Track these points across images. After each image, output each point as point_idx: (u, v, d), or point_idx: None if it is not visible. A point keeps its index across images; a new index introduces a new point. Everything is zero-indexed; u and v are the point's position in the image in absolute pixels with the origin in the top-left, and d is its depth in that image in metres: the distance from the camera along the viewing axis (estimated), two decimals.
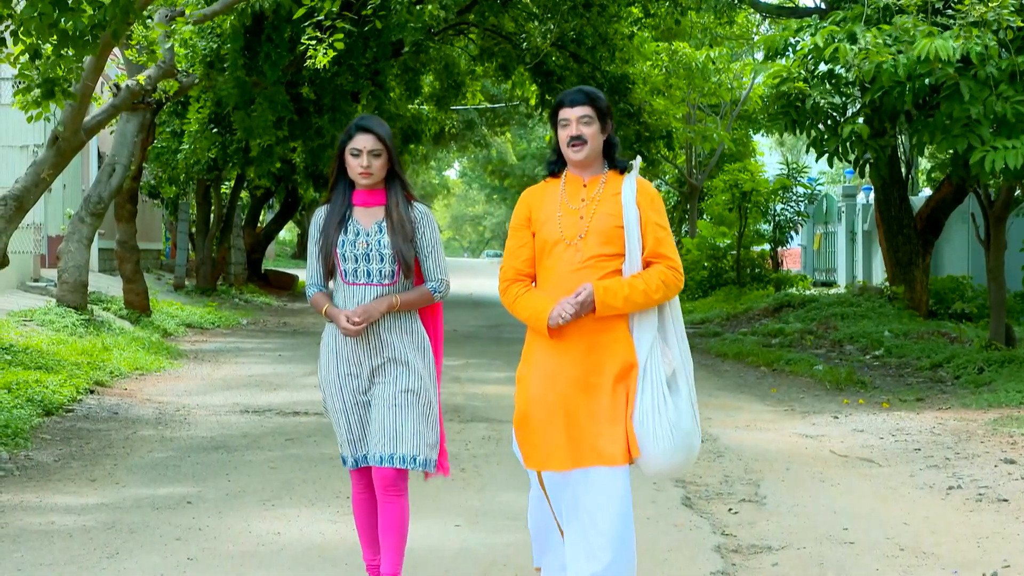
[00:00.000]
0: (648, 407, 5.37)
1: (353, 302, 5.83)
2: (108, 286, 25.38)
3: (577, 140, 5.52)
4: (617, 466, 5.35)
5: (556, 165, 5.69)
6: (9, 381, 11.94)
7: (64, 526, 7.69)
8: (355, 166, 5.81)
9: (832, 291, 28.19)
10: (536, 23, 25.89)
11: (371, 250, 5.82)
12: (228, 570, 6.76)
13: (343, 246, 5.84)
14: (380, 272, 5.82)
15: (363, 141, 5.79)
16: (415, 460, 5.77)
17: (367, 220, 5.87)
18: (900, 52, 13.71)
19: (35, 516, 7.95)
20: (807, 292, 27.41)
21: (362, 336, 5.80)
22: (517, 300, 5.61)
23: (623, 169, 5.62)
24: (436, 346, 6.02)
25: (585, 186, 5.59)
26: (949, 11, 14.66)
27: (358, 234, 5.84)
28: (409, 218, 5.87)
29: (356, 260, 5.83)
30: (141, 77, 18.14)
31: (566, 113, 5.55)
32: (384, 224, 5.84)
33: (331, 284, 6.01)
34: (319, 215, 5.95)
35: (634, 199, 5.51)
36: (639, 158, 5.88)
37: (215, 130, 24.80)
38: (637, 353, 5.46)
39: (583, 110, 5.52)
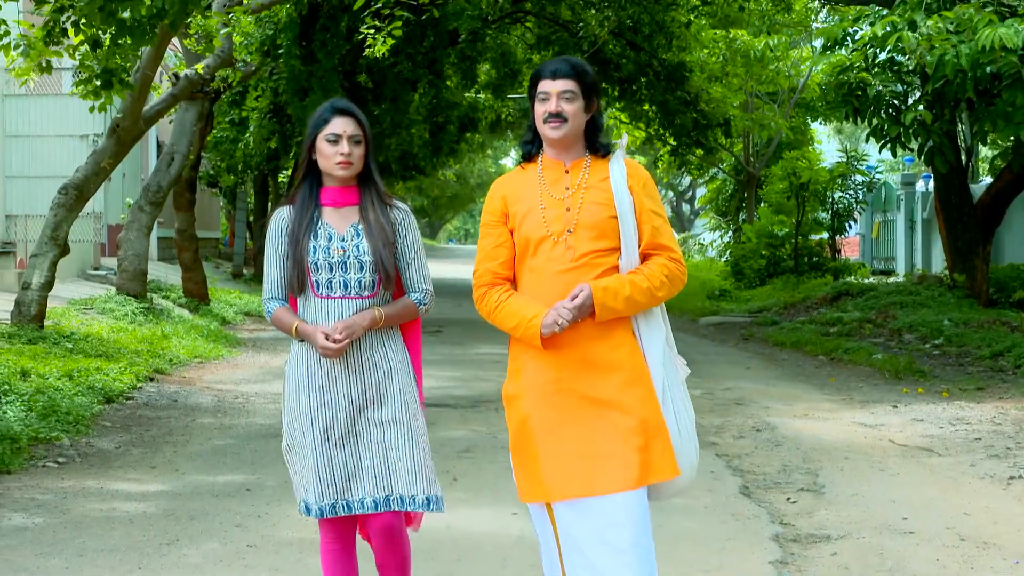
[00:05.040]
0: (676, 421, 4.75)
1: (328, 318, 4.96)
2: (167, 274, 25.58)
3: (555, 117, 4.76)
4: (637, 490, 4.64)
5: (532, 146, 4.92)
6: (70, 369, 12.05)
7: (125, 512, 7.76)
8: (332, 155, 4.95)
9: (891, 280, 27.97)
10: (593, 11, 25.81)
11: (348, 257, 4.97)
12: (287, 557, 6.80)
13: (314, 253, 4.97)
14: (359, 283, 4.98)
15: (342, 125, 4.97)
16: (415, 500, 4.92)
17: (340, 223, 5.03)
18: (962, 42, 13.58)
19: (96, 502, 8.02)
20: (866, 281, 27.20)
21: (340, 357, 4.94)
22: (499, 307, 4.82)
23: (605, 153, 4.89)
24: (417, 366, 5.18)
25: (568, 172, 4.84)
26: None
27: (331, 239, 4.99)
28: (388, 219, 5.05)
29: (331, 269, 4.97)
30: (199, 66, 18.24)
31: (546, 86, 4.78)
32: (360, 226, 5.03)
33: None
34: (281, 217, 5.07)
35: (625, 183, 4.80)
36: (625, 136, 5.29)
37: (274, 119, 24.92)
38: (648, 360, 4.77)
39: (565, 84, 4.76)
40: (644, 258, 4.80)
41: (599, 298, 4.65)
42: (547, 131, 4.79)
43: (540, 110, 4.79)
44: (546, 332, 4.66)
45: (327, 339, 4.86)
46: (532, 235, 4.79)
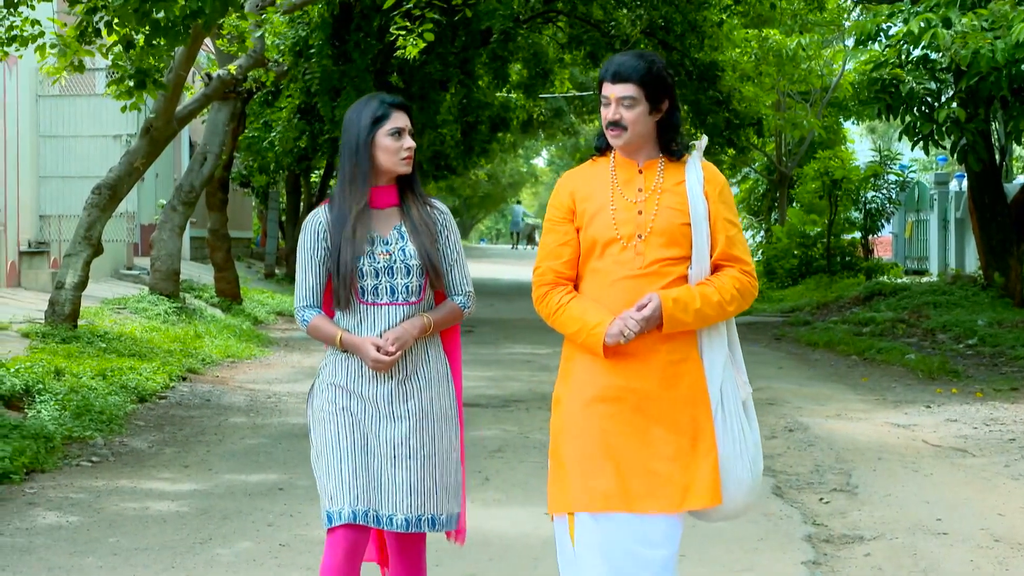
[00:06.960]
0: (730, 443, 4.49)
1: (374, 326, 4.69)
2: (200, 274, 25.65)
3: (614, 126, 4.51)
4: (676, 514, 4.46)
5: (604, 140, 4.62)
6: (104, 368, 12.09)
7: (158, 511, 7.79)
8: (397, 149, 4.72)
9: (924, 279, 27.87)
10: (625, 10, 25.78)
11: (394, 261, 4.70)
12: (320, 556, 6.80)
13: (359, 258, 4.70)
14: (406, 288, 4.70)
15: (402, 119, 4.76)
16: (447, 519, 4.76)
17: (384, 225, 4.75)
18: (998, 38, 13.51)
19: (130, 501, 8.05)
20: (899, 280, 27.09)
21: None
22: (560, 310, 4.55)
23: (680, 155, 4.60)
24: (457, 371, 4.92)
25: (641, 172, 4.57)
26: None
27: (374, 242, 4.71)
28: (430, 218, 4.80)
29: (376, 275, 4.68)
30: (232, 67, 18.29)
31: (606, 90, 4.51)
32: (404, 228, 4.76)
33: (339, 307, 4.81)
34: (318, 219, 4.75)
35: (701, 189, 4.52)
36: (704, 137, 4.88)
37: (304, 119, 24.96)
38: (708, 377, 4.51)
39: (624, 89, 4.47)
40: (715, 268, 4.55)
41: (668, 310, 4.40)
42: (608, 138, 4.57)
43: (603, 114, 4.55)
44: (611, 342, 4.41)
45: (379, 350, 4.62)
46: (600, 236, 4.53)
